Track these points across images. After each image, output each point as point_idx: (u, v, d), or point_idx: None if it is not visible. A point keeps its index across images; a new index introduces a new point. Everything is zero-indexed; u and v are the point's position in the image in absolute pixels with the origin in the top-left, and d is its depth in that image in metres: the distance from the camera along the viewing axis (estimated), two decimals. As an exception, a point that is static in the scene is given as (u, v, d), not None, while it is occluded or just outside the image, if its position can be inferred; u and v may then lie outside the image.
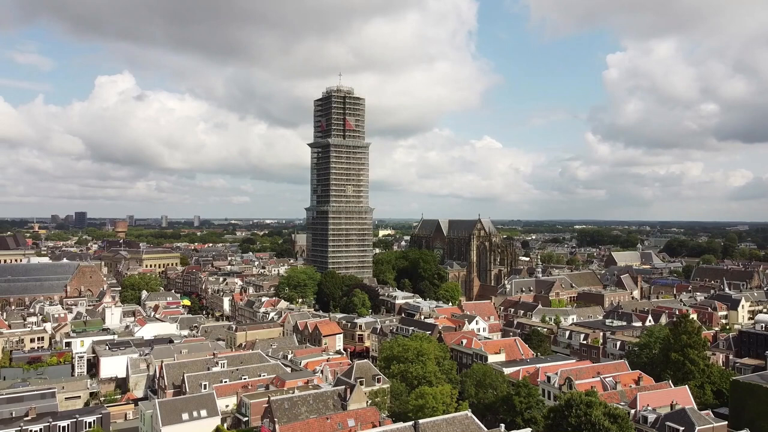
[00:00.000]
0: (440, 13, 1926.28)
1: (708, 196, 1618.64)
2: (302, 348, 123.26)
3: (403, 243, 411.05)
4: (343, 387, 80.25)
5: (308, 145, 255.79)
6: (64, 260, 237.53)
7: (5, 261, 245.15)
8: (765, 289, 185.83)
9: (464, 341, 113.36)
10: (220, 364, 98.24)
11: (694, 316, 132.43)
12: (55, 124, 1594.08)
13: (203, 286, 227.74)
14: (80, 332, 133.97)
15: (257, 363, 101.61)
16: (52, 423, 75.37)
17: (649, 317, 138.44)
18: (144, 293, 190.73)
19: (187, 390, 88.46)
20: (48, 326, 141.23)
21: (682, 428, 66.96)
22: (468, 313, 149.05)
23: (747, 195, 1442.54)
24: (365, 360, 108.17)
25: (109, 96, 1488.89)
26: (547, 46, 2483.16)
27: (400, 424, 65.35)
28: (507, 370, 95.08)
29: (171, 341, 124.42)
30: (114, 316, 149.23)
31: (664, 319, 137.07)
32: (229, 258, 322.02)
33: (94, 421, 78.32)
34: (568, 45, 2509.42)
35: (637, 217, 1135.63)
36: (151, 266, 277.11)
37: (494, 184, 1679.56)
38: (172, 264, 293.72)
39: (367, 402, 79.34)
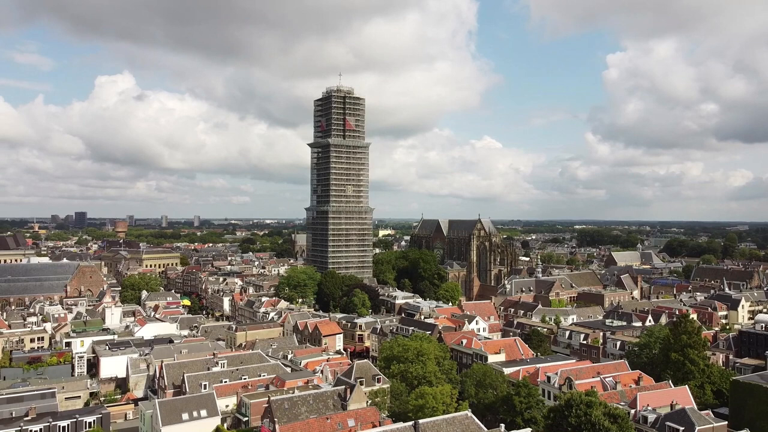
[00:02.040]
0: (440, 13, 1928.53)
1: (708, 196, 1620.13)
2: (302, 348, 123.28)
3: (403, 243, 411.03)
4: (343, 387, 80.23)
5: (308, 145, 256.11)
6: (64, 260, 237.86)
7: (5, 261, 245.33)
8: (765, 289, 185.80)
9: (464, 341, 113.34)
10: (220, 364, 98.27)
11: (694, 316, 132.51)
12: (55, 124, 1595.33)
13: (203, 286, 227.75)
14: (80, 332, 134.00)
15: (257, 363, 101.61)
16: (52, 423, 75.38)
17: (649, 317, 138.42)
18: (144, 293, 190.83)
19: (187, 390, 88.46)
20: (48, 326, 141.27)
21: (682, 428, 66.97)
22: (468, 313, 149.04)
23: (747, 195, 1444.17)
24: (365, 360, 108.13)
25: (109, 96, 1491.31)
26: (547, 46, 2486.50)
27: (400, 424, 65.32)
28: (507, 370, 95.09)
29: (171, 341, 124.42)
30: (114, 316, 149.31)
31: (664, 319, 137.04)
32: (229, 258, 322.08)
33: (94, 421, 78.36)
34: (568, 45, 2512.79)
35: (637, 217, 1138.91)
36: (151, 266, 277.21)
37: (494, 184, 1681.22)
38: (172, 264, 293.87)
39: (367, 402, 79.32)
